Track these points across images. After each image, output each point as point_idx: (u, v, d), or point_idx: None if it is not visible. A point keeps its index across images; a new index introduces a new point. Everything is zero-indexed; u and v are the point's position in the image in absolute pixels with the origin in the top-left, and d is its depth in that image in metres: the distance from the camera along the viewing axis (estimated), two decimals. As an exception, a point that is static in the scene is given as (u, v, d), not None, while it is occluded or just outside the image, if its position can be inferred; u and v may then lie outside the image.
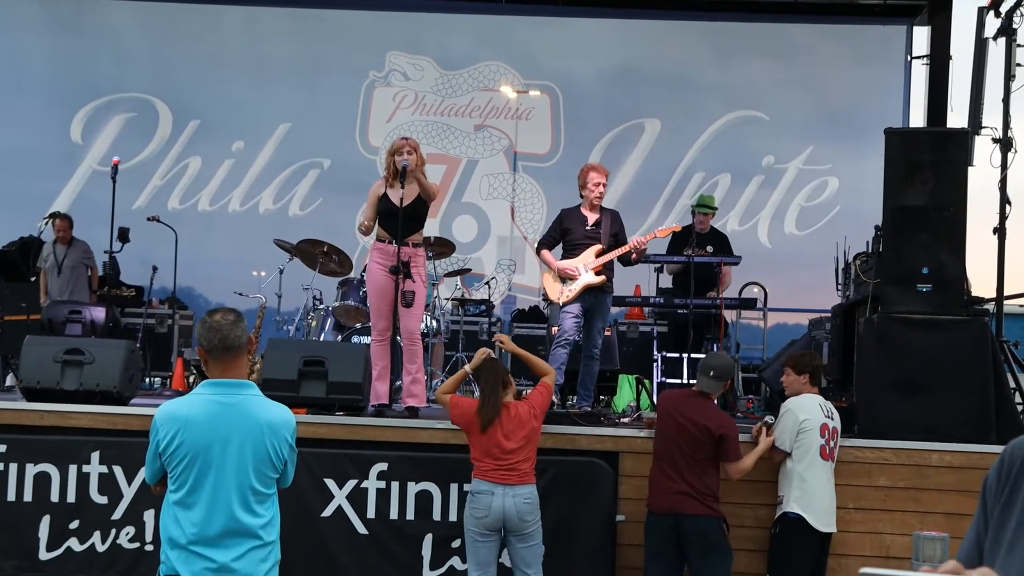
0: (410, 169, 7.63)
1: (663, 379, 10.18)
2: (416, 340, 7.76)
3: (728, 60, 14.20)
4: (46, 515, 6.87)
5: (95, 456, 6.91)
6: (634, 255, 8.40)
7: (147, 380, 10.96)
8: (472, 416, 6.24)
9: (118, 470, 6.90)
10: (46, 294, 11.01)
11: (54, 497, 6.89)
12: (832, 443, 6.64)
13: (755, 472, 6.80)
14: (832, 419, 6.67)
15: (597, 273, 8.22)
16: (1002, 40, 8.26)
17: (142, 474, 6.51)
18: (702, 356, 9.92)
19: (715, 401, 6.72)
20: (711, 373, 6.57)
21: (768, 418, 6.97)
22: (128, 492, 6.87)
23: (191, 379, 10.63)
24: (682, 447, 6.40)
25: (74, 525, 6.87)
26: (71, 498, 6.89)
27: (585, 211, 8.41)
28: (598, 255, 8.25)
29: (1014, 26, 8.15)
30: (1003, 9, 8.28)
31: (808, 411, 6.61)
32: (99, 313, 9.72)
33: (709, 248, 10.21)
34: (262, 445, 3.92)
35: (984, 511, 2.14)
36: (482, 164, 14.22)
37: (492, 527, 6.13)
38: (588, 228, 8.34)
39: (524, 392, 6.82)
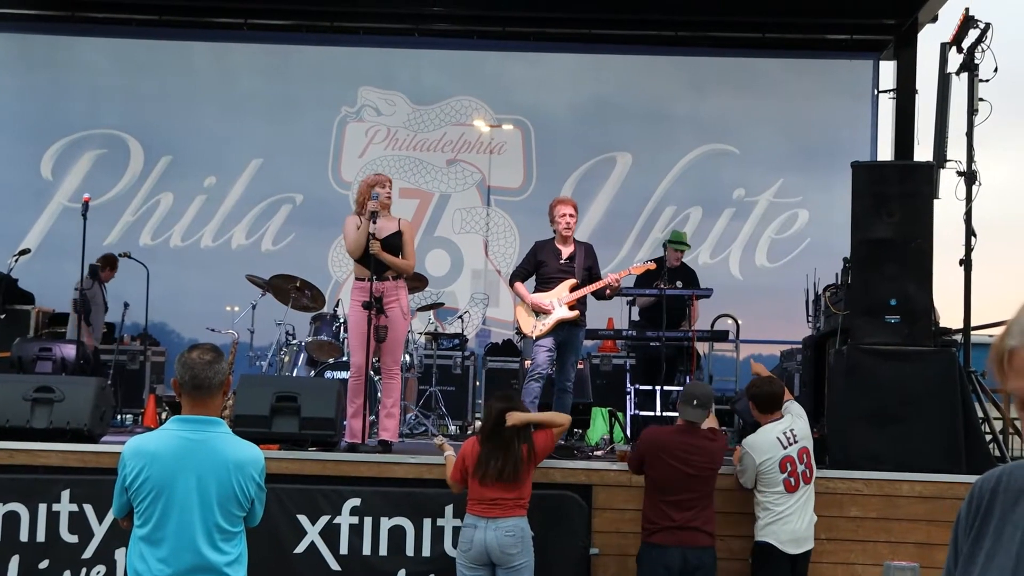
0: (379, 210, 7.71)
1: (636, 412, 10.20)
2: (394, 375, 7.80)
3: (699, 94, 14.33)
4: (15, 555, 6.81)
5: (65, 495, 6.86)
6: (608, 291, 8.44)
7: (118, 417, 10.91)
8: (469, 470, 6.24)
9: (89, 509, 6.85)
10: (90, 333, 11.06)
11: (23, 536, 6.83)
12: (800, 469, 6.64)
13: (726, 504, 6.85)
14: (796, 443, 6.67)
15: (571, 308, 8.25)
16: (965, 75, 8.38)
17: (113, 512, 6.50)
18: (675, 388, 9.99)
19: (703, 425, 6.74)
20: (694, 402, 6.59)
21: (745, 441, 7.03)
22: (99, 531, 6.82)
23: (163, 416, 10.57)
24: (687, 482, 6.42)
25: (44, 565, 6.82)
26: (40, 537, 6.83)
27: (559, 244, 8.44)
28: (572, 289, 8.29)
29: (976, 61, 8.26)
30: (965, 45, 8.40)
31: (764, 450, 6.60)
32: (69, 350, 9.68)
33: (678, 283, 10.28)
34: (228, 483, 3.92)
35: (955, 548, 2.17)
36: (455, 198, 14.26)
37: (477, 560, 6.12)
38: (562, 261, 8.37)
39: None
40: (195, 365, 3.99)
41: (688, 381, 9.77)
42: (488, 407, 6.41)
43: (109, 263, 11.37)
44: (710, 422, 6.79)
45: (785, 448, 6.60)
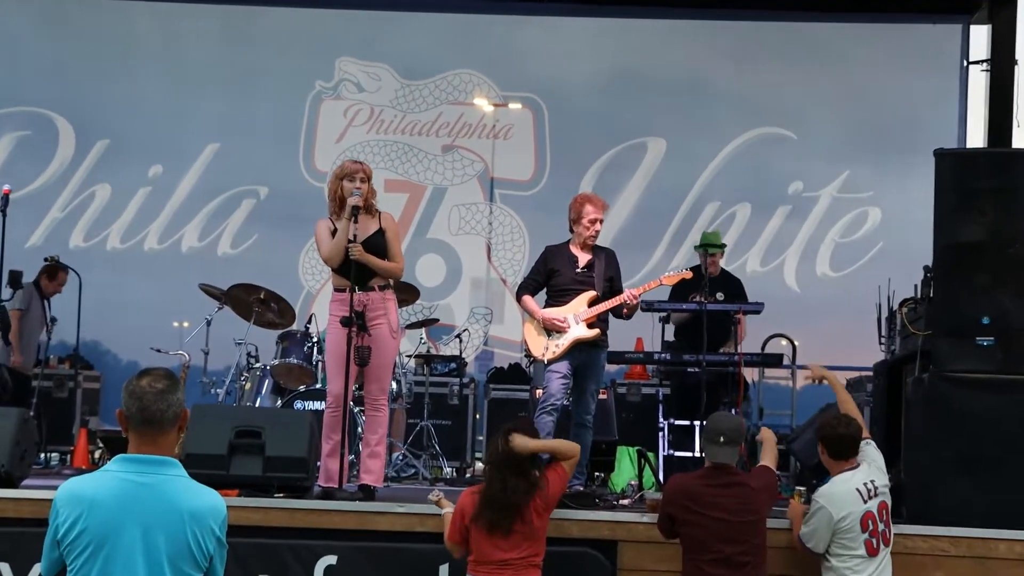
0: (362, 205, 7.67)
1: (671, 452, 10.17)
2: (380, 406, 7.78)
3: (748, 67, 14.32)
4: (-85, 624, 6.81)
5: (-22, 550, 6.85)
6: (625, 310, 8.40)
7: (43, 456, 10.89)
8: (469, 521, 6.20)
9: (6, 568, 6.83)
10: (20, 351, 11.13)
11: (-75, 601, 6.83)
12: (881, 528, 6.59)
13: (783, 565, 6.80)
14: (876, 496, 6.61)
15: (590, 325, 8.22)
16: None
17: (37, 569, 6.46)
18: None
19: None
20: (721, 439, 6.54)
21: (800, 489, 6.98)
22: (18, 594, 6.81)
23: (97, 455, 10.56)
24: (728, 534, 6.38)
25: (-50, 635, 6.81)
26: (-53, 603, 6.83)
27: (575, 249, 8.42)
28: (591, 303, 8.26)
29: (1089, 27, 8.23)
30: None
31: (844, 504, 6.53)
32: (-16, 375, 9.68)
33: (720, 295, 10.23)
34: (182, 536, 3.89)
35: None
36: (452, 192, 14.26)
37: None
38: (578, 270, 8.35)
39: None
40: (145, 395, 3.97)
41: (734, 414, 9.74)
42: (493, 442, 6.38)
43: (49, 273, 11.32)
44: (769, 459, 6.76)
45: (866, 502, 6.53)
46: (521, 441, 6.28)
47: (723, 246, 11.03)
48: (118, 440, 9.04)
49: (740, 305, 10.15)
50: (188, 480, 4.03)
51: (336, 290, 7.86)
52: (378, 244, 7.79)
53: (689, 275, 9.11)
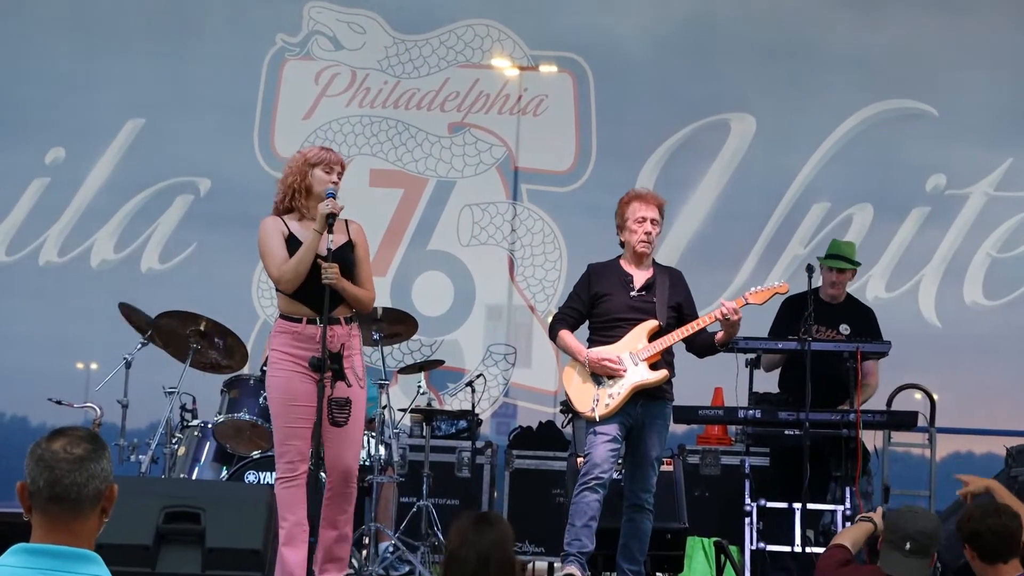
0: (333, 211, 7.72)
1: (761, 545, 10.18)
2: (351, 480, 7.85)
3: (868, 14, 14.35)
4: None
5: None
6: (720, 335, 8.41)
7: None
8: None
9: None
10: None
11: None
12: None
13: None
14: None
15: (653, 366, 8.25)
16: None
17: None
18: (828, 508, 9.96)
19: None
20: (908, 546, 6.50)
21: None
22: None
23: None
24: None
25: None
26: None
27: (628, 266, 8.46)
28: (652, 336, 8.29)
29: None
30: None
31: None
32: None
33: (844, 328, 10.20)
34: (100, 657, 3.96)
35: None
36: (462, 188, 14.28)
37: None
38: (634, 294, 8.39)
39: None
40: (58, 463, 3.97)
41: (849, 493, 9.73)
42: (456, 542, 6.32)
43: None
44: None
45: None
46: None
47: (857, 264, 10.92)
48: (5, 525, 9.09)
49: (858, 344, 10.07)
50: (111, 580, 4.10)
51: (286, 318, 7.92)
52: (347, 260, 7.89)
53: (785, 288, 9.03)
